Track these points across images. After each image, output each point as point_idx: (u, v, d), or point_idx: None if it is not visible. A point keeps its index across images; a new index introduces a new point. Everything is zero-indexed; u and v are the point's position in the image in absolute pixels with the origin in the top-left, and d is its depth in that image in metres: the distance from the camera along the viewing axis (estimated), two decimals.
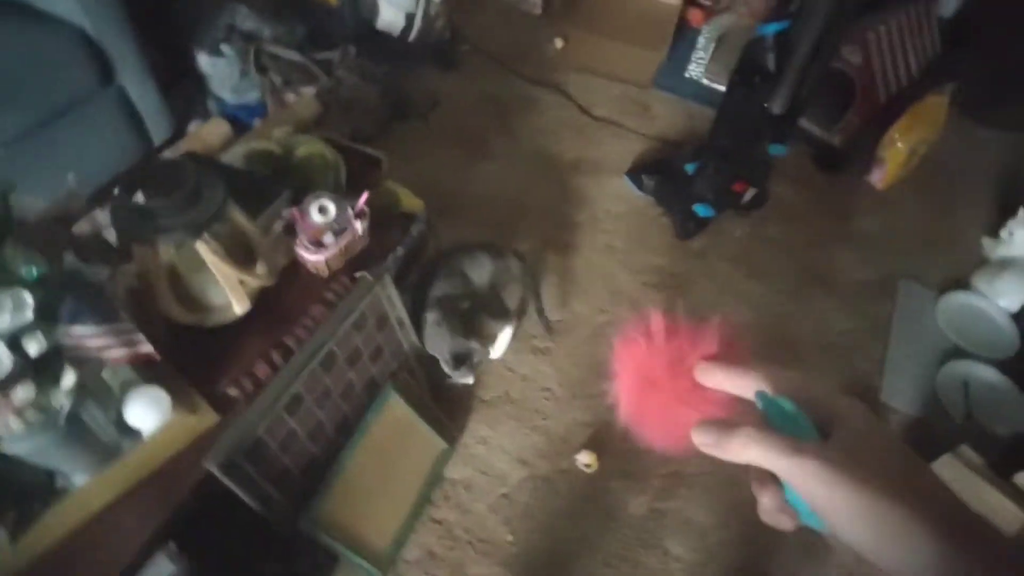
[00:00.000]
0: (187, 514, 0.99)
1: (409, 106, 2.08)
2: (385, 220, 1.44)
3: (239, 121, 1.79)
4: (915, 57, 2.19)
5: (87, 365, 0.76)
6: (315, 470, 1.10)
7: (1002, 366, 1.65)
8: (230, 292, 0.99)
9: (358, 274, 1.13)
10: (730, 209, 1.89)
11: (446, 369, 1.36)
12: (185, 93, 1.82)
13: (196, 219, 0.85)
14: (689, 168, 1.89)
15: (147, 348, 0.81)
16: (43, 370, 0.71)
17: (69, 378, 0.73)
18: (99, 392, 0.84)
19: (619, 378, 0.40)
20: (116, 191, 0.83)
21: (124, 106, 1.57)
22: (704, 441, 0.33)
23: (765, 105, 1.56)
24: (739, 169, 1.74)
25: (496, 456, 1.40)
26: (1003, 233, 1.89)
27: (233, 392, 0.97)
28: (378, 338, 1.20)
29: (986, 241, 1.95)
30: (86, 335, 0.75)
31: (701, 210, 1.81)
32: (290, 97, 1.86)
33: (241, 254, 1.03)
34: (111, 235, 0.98)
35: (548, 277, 1.71)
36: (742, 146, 1.68)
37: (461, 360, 1.35)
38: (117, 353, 0.78)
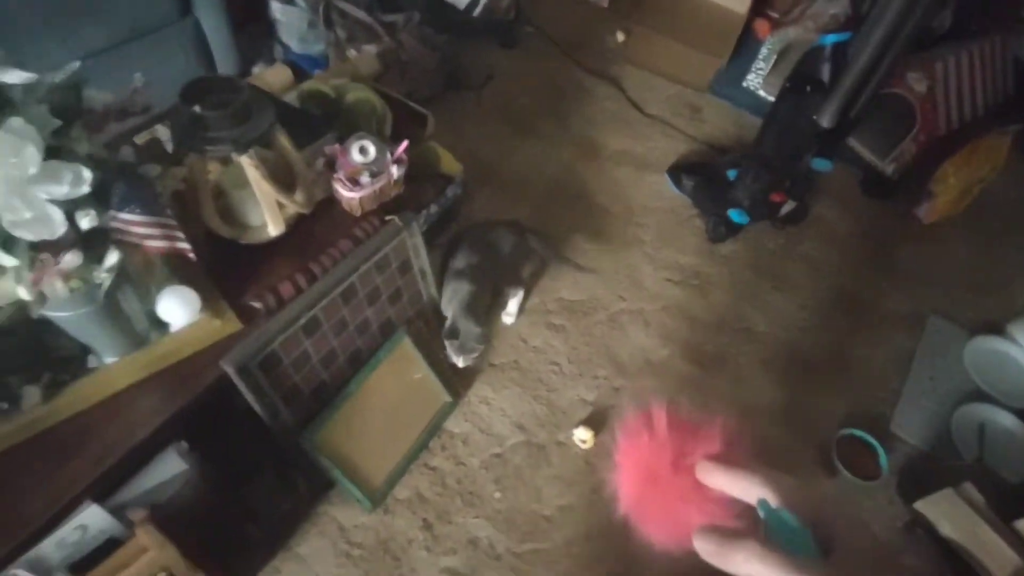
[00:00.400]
0: (199, 418, 1.07)
1: (464, 77, 2.13)
2: (423, 176, 1.50)
3: (301, 70, 1.86)
4: (984, 94, 2.13)
5: (129, 250, 0.83)
6: (323, 395, 1.16)
7: (1023, 415, 1.61)
8: (267, 212, 1.05)
9: (388, 217, 1.18)
10: (766, 220, 1.88)
11: (443, 336, 1.41)
12: (254, 36, 1.91)
13: (244, 135, 0.91)
14: (730, 174, 1.89)
15: (185, 245, 0.87)
16: (91, 245, 0.77)
17: (112, 257, 0.80)
18: (137, 282, 0.91)
19: (621, 470, 0.40)
20: (179, 98, 0.90)
21: (197, 38, 1.66)
22: (706, 549, 0.33)
23: (814, 117, 1.55)
24: (779, 179, 1.73)
25: (496, 417, 1.44)
26: None
27: (257, 305, 1.03)
28: (399, 282, 1.25)
29: None
30: (132, 222, 0.81)
31: (736, 216, 1.80)
32: (352, 53, 1.92)
33: (283, 179, 1.09)
34: (169, 147, 1.06)
35: (573, 259, 1.74)
36: (785, 156, 1.67)
37: (454, 334, 1.39)
38: (157, 244, 0.84)
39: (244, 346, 0.97)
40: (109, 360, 0.93)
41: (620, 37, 2.39)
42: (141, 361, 0.95)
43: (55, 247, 0.74)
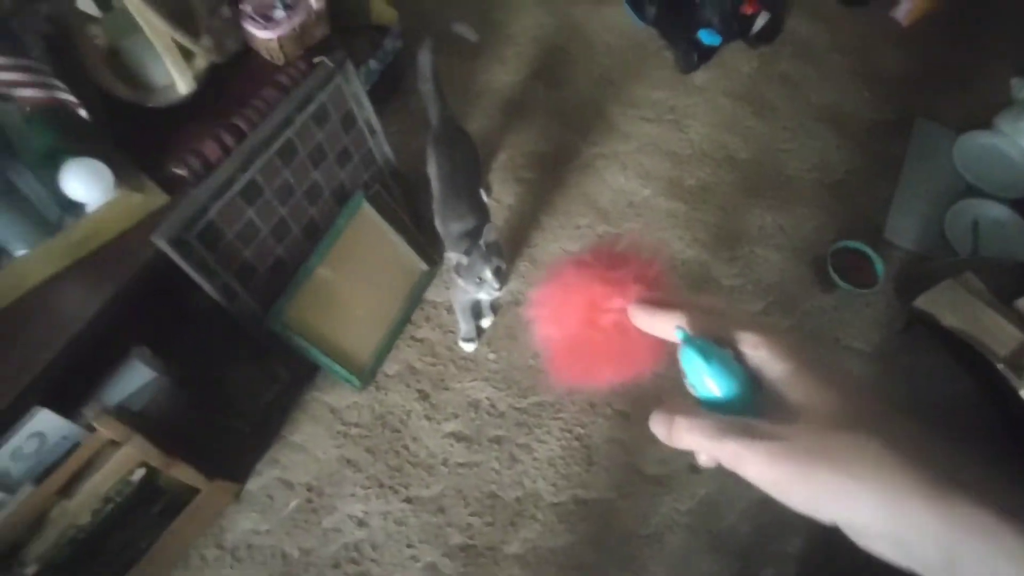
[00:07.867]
0: (160, 322, 0.96)
1: None
2: (353, 28, 1.32)
3: None
4: None
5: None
6: (284, 272, 1.05)
7: (1014, 204, 1.56)
8: (171, 63, 0.89)
9: (316, 59, 1.02)
10: (739, 39, 1.73)
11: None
12: None
13: None
14: None
15: (66, 95, 0.73)
16: None
17: None
18: (25, 149, 0.77)
19: (550, 297, 0.34)
20: None
21: None
22: (657, 432, 0.29)
23: None
24: None
25: None
26: None
27: (180, 171, 0.89)
28: (344, 140, 1.11)
29: (1015, 81, 1.79)
30: None
31: (706, 37, 1.65)
32: None
33: (184, 25, 0.92)
34: None
35: (536, 110, 1.60)
36: None
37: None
38: (30, 93, 0.70)
39: (175, 217, 0.85)
40: (20, 252, 0.81)
41: None
42: (57, 250, 0.83)
43: None
